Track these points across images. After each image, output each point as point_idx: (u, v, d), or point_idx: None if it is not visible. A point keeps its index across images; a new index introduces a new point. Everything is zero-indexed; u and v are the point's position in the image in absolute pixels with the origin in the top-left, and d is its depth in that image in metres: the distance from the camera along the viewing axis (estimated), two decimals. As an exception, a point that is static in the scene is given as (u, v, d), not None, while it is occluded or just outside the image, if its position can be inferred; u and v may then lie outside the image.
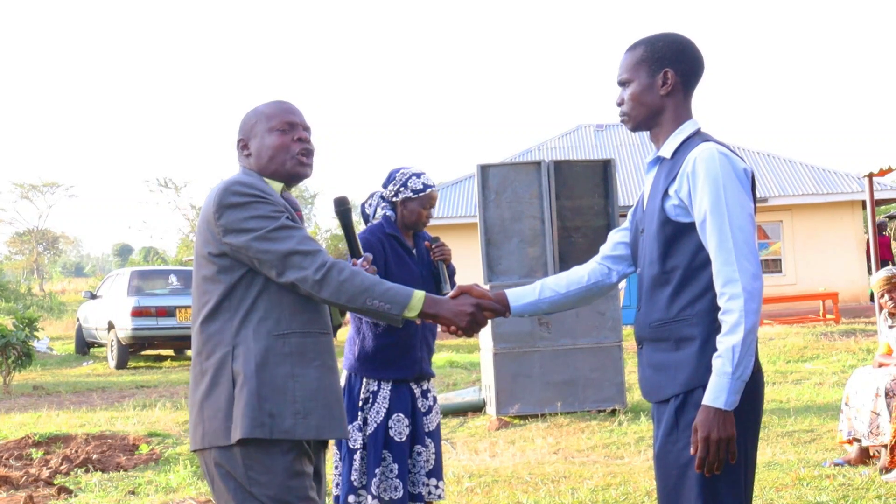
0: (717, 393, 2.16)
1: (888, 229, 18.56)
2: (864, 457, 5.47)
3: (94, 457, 6.50)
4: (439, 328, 2.74)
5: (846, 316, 16.35)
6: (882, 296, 5.67)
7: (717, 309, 2.22)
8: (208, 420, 2.34)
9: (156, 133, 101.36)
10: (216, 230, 2.35)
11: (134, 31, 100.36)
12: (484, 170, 7.76)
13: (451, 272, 3.78)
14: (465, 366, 11.87)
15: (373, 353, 3.57)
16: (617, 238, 2.63)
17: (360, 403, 3.56)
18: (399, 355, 3.59)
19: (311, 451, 2.40)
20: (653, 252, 2.35)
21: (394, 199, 3.72)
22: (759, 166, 20.85)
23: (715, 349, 2.21)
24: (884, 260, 15.03)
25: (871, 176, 8.24)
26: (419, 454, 3.63)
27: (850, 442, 5.55)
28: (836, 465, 5.48)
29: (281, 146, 2.47)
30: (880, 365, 5.63)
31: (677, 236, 2.30)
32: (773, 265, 20.01)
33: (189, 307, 14.81)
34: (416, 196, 3.69)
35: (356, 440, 3.52)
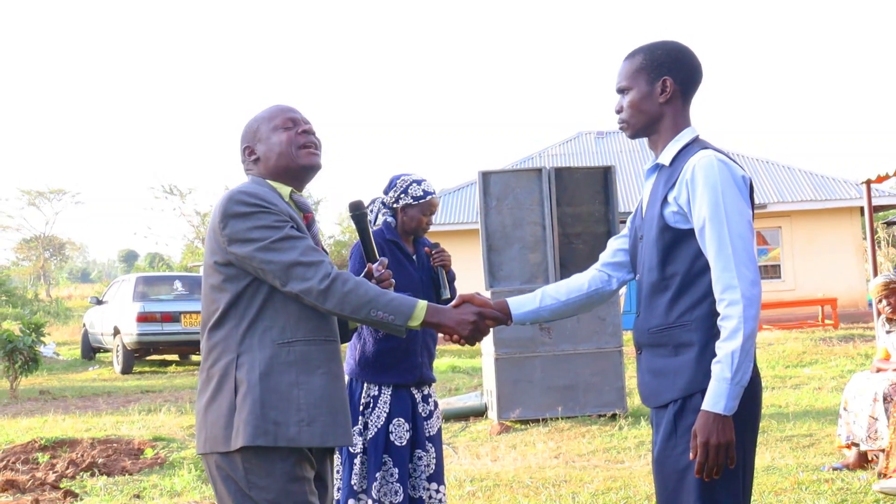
0: (717, 398, 2.18)
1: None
2: (863, 461, 5.51)
3: (100, 461, 6.55)
4: (441, 335, 2.78)
5: (845, 321, 16.39)
6: (880, 301, 5.70)
7: (716, 315, 2.24)
8: (210, 425, 2.37)
9: (161, 140, 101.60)
10: (221, 240, 2.37)
11: (139, 39, 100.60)
12: (485, 176, 7.82)
13: (451, 278, 3.81)
14: (466, 371, 11.92)
15: (373, 357, 3.60)
16: (616, 245, 2.65)
17: (361, 408, 3.59)
18: (399, 360, 3.61)
19: (312, 457, 2.42)
20: (652, 258, 2.37)
21: (394, 205, 3.74)
22: (758, 173, 20.89)
23: (714, 355, 2.22)
24: None
25: (868, 182, 8.28)
26: (420, 459, 3.63)
27: (848, 446, 5.58)
28: (834, 469, 5.52)
29: (287, 141, 2.49)
30: (878, 370, 5.66)
31: (676, 243, 2.31)
32: (772, 271, 20.04)
33: (194, 313, 14.99)
34: (416, 203, 3.71)
35: (356, 444, 3.54)
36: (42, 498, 5.56)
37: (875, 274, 8.46)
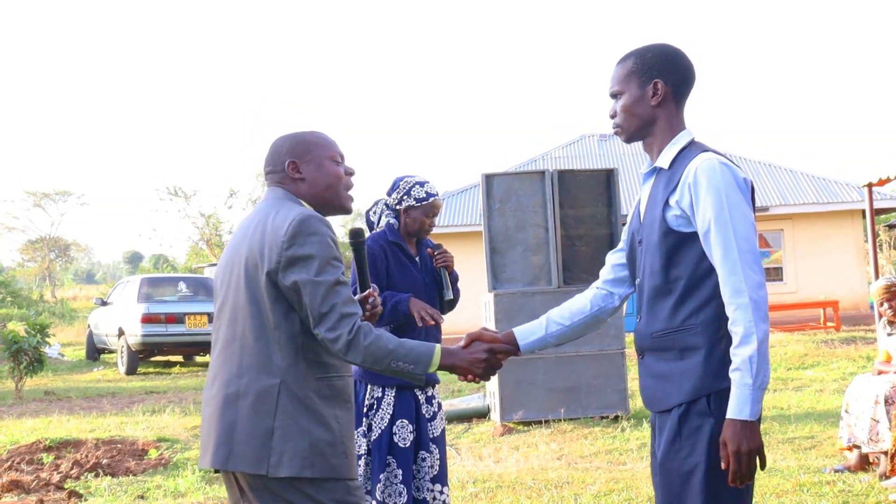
0: (741, 405, 2.16)
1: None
2: (864, 463, 5.53)
3: (104, 461, 6.58)
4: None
5: (846, 324, 16.41)
6: (881, 304, 5.72)
7: (721, 318, 2.23)
8: (239, 443, 2.33)
9: (166, 142, 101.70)
10: (279, 257, 2.33)
11: (145, 42, 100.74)
12: (488, 179, 7.85)
13: (454, 279, 3.83)
14: (470, 373, 11.94)
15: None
16: (614, 260, 2.64)
17: (365, 410, 3.60)
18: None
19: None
20: (654, 262, 2.35)
21: (397, 207, 3.76)
22: (760, 175, 20.91)
23: (719, 358, 2.23)
24: None
25: (870, 186, 8.31)
26: (423, 460, 3.64)
27: (849, 448, 5.60)
28: (836, 471, 5.54)
29: (338, 177, 2.52)
30: (880, 372, 5.68)
31: (680, 246, 2.30)
32: (774, 273, 20.05)
33: (198, 314, 14.99)
34: (418, 204, 3.72)
35: (360, 446, 3.56)
36: (46, 498, 5.59)
37: (876, 276, 8.48)
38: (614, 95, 2.47)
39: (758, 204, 19.61)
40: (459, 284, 3.90)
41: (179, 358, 16.43)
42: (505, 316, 7.58)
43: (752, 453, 2.17)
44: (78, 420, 8.85)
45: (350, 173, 2.56)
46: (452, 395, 9.75)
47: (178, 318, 14.59)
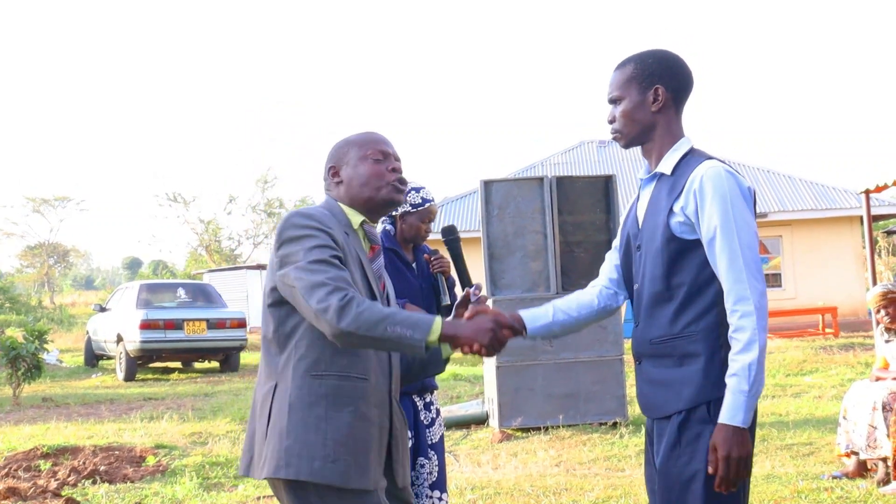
0: (735, 411, 2.17)
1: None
2: (862, 470, 5.53)
3: (102, 468, 6.57)
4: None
5: (845, 330, 16.43)
6: (878, 311, 5.72)
7: (722, 326, 2.24)
8: (245, 451, 2.43)
9: (165, 148, 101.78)
10: (276, 261, 2.38)
11: (145, 47, 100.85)
12: (487, 185, 7.86)
13: (451, 285, 3.82)
14: (468, 378, 11.95)
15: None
16: (615, 260, 2.63)
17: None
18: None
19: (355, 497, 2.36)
20: (655, 268, 2.35)
21: (393, 213, 3.75)
22: (759, 182, 20.96)
23: (719, 365, 2.23)
24: None
25: (867, 192, 8.32)
26: (422, 466, 3.63)
27: (847, 455, 5.60)
28: (834, 477, 5.54)
29: (375, 174, 2.49)
30: (877, 379, 5.69)
31: (683, 253, 2.30)
32: (773, 279, 20.08)
33: (196, 320, 15.01)
34: (414, 210, 3.71)
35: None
36: (45, 505, 5.58)
37: (874, 283, 8.49)
38: (613, 101, 2.46)
39: (757, 210, 19.98)
40: (456, 289, 3.90)
41: (178, 364, 16.42)
42: (503, 322, 7.56)
43: (741, 460, 2.18)
44: (76, 427, 8.83)
45: (393, 168, 2.52)
46: (451, 401, 9.74)
47: (176, 325, 14.58)
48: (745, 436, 2.18)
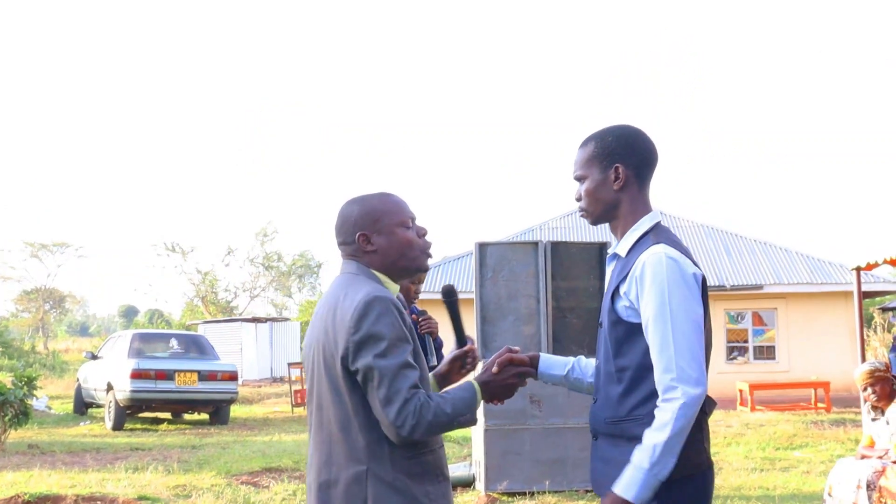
0: (629, 485, 2.18)
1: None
2: (846, 547, 5.50)
3: (83, 518, 6.52)
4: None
5: (837, 405, 16.38)
6: (865, 389, 5.75)
7: None
8: None
9: (165, 198, 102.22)
10: (348, 343, 2.32)
11: (145, 96, 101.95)
12: (482, 248, 7.93)
13: (438, 346, 3.88)
14: (457, 440, 11.87)
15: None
16: None
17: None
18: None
19: None
20: (607, 348, 2.38)
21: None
22: (756, 253, 21.09)
23: None
24: None
25: (858, 269, 8.40)
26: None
27: (832, 532, 5.59)
28: (817, 554, 5.52)
29: (411, 242, 2.50)
30: (863, 457, 5.70)
31: (628, 336, 2.31)
32: (768, 352, 20.08)
33: (188, 371, 14.92)
34: (407, 273, 3.81)
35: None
36: (23, 553, 5.53)
37: (862, 360, 8.52)
38: (578, 179, 2.49)
39: (753, 281, 19.97)
40: (444, 350, 3.94)
41: (168, 415, 16.33)
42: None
43: None
44: (59, 475, 8.76)
45: (422, 234, 2.56)
46: (439, 463, 9.66)
47: (167, 375, 14.54)
48: None
